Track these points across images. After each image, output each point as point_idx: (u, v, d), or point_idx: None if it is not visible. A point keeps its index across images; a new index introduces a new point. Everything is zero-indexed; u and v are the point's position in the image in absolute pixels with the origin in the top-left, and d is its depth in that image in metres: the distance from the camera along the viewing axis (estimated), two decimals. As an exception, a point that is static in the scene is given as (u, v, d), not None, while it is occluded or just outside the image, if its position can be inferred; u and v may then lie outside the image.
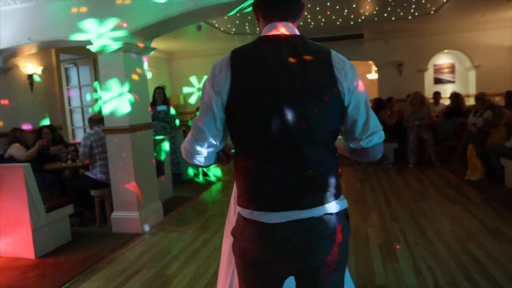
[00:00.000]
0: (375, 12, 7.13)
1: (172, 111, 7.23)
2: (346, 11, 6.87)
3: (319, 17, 7.14)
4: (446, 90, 9.60)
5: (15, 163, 4.67)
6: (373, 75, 10.76)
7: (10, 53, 5.01)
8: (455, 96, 7.38)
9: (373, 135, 1.32)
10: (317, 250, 1.30)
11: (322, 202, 1.29)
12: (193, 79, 11.10)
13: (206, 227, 4.53)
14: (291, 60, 1.25)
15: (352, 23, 7.79)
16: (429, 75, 10.00)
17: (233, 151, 1.43)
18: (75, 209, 4.58)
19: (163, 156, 5.99)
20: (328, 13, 6.87)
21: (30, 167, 3.82)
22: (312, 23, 7.70)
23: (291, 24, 1.33)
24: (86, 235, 4.47)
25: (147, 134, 4.74)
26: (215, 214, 5.11)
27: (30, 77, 5.67)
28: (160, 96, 7.25)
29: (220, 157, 1.45)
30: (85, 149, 4.57)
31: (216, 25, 7.31)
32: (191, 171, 7.47)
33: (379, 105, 7.97)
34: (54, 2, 4.36)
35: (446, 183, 5.88)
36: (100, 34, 4.22)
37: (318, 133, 1.26)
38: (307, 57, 1.26)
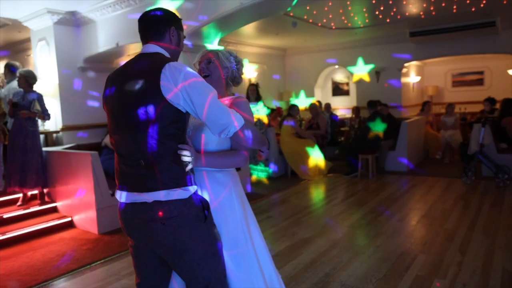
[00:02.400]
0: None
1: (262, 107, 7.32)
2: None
3: (424, 5, 6.23)
4: None
5: (108, 150, 5.44)
6: (517, 71, 8.87)
7: (116, 54, 5.85)
8: None
9: (227, 129, 1.56)
10: (151, 232, 1.55)
11: (152, 189, 1.53)
12: (307, 75, 10.99)
13: (252, 227, 4.50)
14: (129, 74, 1.60)
15: (473, 9, 6.55)
16: None
17: None
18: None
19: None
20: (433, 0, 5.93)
21: (98, 155, 4.42)
22: (421, 13, 6.76)
23: (152, 44, 1.66)
24: (148, 219, 4.94)
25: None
26: (272, 216, 5.03)
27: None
28: (253, 93, 7.42)
29: None
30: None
31: (311, 21, 7.07)
32: (282, 169, 7.48)
33: (507, 107, 6.51)
34: (136, 10, 4.90)
35: None
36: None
37: (142, 131, 1.52)
38: (141, 70, 1.56)
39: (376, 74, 9.52)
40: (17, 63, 4.95)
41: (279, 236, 4.20)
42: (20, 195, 4.92)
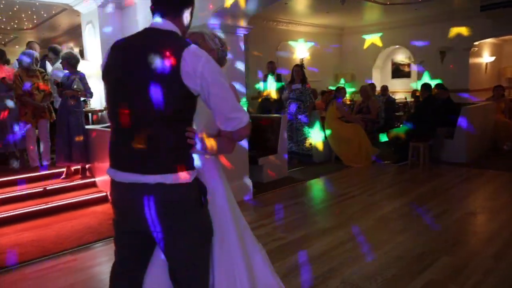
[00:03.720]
0: None
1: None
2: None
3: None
4: None
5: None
6: None
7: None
8: None
9: (232, 123, 1.55)
10: (148, 215, 1.50)
11: (156, 171, 1.48)
12: (365, 55, 10.36)
13: (277, 213, 4.39)
14: (143, 49, 1.48)
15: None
16: None
17: None
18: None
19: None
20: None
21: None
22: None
23: (167, 21, 1.57)
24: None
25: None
26: (299, 202, 4.87)
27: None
28: (299, 74, 7.17)
29: None
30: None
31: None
32: (326, 154, 7.20)
33: None
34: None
35: None
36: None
37: (152, 111, 1.45)
38: (159, 48, 1.46)
39: (440, 54, 8.66)
40: (59, 46, 5.27)
41: (298, 224, 4.04)
42: (64, 169, 5.31)
